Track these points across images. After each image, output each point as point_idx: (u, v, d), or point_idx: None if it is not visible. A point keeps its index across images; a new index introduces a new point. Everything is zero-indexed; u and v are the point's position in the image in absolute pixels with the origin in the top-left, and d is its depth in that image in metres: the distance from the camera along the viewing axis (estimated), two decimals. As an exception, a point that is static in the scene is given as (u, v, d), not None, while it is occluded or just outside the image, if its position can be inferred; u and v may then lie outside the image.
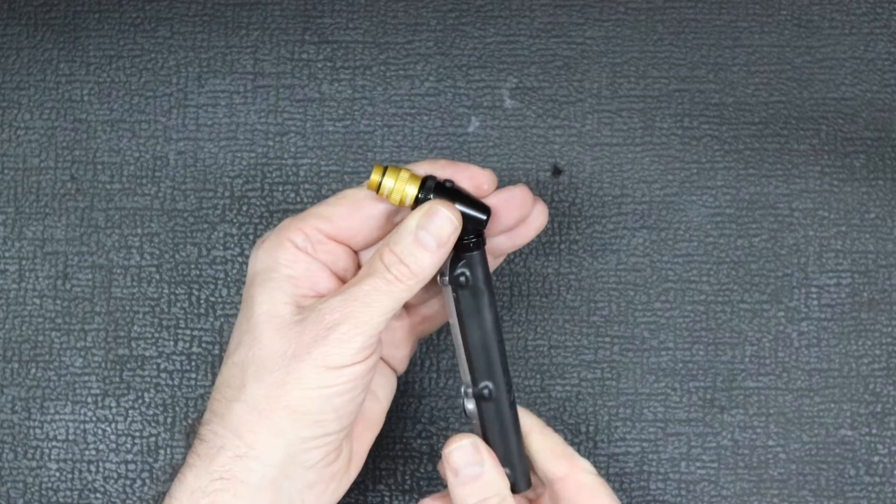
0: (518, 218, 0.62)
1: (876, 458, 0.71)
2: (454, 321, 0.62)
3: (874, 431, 0.71)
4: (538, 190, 0.73)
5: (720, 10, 0.74)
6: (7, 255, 0.73)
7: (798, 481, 0.71)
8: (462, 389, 0.63)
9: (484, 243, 0.61)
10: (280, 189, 0.73)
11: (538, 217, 0.63)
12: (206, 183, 0.73)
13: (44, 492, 0.72)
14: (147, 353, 0.72)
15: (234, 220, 0.73)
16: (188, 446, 0.62)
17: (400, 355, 0.66)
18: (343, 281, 0.62)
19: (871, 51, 0.73)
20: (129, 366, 0.72)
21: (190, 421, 0.72)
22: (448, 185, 0.60)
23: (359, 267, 0.63)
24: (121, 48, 0.74)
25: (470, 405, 0.63)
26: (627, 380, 0.72)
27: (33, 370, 0.72)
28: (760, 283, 0.72)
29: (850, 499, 0.71)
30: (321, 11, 0.74)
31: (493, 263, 0.64)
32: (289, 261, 0.60)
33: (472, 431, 0.63)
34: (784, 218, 0.73)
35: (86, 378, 0.72)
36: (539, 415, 0.72)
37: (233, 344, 0.61)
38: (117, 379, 0.72)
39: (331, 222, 0.61)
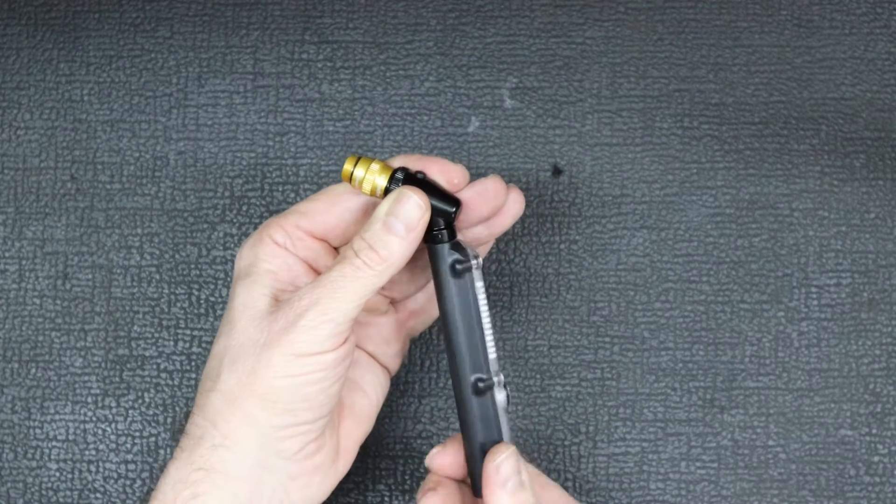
0: (492, 209, 0.63)
1: (876, 458, 0.71)
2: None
3: (874, 431, 0.71)
4: (538, 190, 0.73)
5: (720, 10, 0.74)
6: (7, 255, 0.73)
7: (798, 481, 0.71)
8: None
9: (454, 235, 0.62)
10: (280, 189, 0.73)
11: (514, 205, 0.63)
12: (206, 183, 0.73)
13: (44, 492, 0.72)
14: (147, 353, 0.72)
15: (234, 220, 0.73)
16: (176, 443, 0.63)
17: (390, 352, 0.66)
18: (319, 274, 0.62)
19: (871, 51, 0.73)
20: (129, 366, 0.72)
21: (180, 419, 0.72)
22: (419, 176, 0.61)
23: None
24: (121, 48, 0.74)
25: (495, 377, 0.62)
26: (627, 380, 0.72)
27: (33, 370, 0.72)
28: (760, 283, 0.72)
29: (850, 499, 0.71)
30: (321, 11, 0.74)
31: (481, 251, 0.65)
32: (268, 256, 0.61)
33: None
34: (784, 218, 0.73)
35: (86, 378, 0.72)
36: (539, 415, 0.72)
37: (214, 342, 0.62)
38: (117, 379, 0.72)
39: (308, 217, 0.62)
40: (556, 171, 0.73)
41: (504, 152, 0.73)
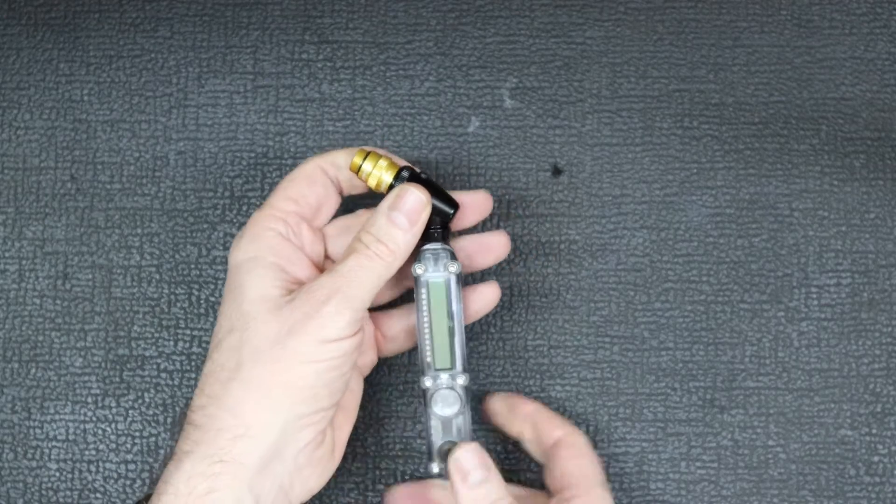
0: (478, 217, 0.68)
1: (876, 458, 0.71)
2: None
3: (874, 431, 0.71)
4: (538, 190, 0.73)
5: (720, 10, 0.74)
6: (7, 255, 0.73)
7: (798, 481, 0.71)
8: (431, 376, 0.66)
9: (447, 238, 0.66)
10: (280, 189, 0.73)
11: (499, 248, 0.68)
12: (206, 183, 0.73)
13: (44, 492, 0.72)
14: (147, 353, 0.72)
15: (234, 220, 0.73)
16: (177, 434, 0.62)
17: (366, 361, 0.68)
18: (316, 265, 0.65)
19: (871, 51, 0.73)
20: (129, 366, 0.72)
21: (178, 410, 0.72)
22: (423, 176, 0.65)
23: (326, 251, 0.67)
24: (121, 48, 0.74)
25: (428, 382, 0.66)
26: (627, 380, 0.72)
27: (33, 370, 0.72)
28: (760, 283, 0.72)
29: (850, 499, 0.71)
30: (321, 11, 0.74)
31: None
32: (274, 248, 0.63)
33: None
34: (784, 218, 0.73)
35: (86, 378, 0.72)
36: (539, 415, 0.72)
37: (223, 330, 0.62)
38: (117, 379, 0.72)
39: (299, 203, 0.64)
40: (556, 171, 0.73)
41: (504, 152, 0.73)
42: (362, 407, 0.71)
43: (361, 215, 0.67)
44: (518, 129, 0.73)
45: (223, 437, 0.60)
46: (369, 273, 0.62)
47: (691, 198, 0.73)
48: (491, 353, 0.72)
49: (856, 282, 0.72)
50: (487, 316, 0.72)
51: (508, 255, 0.72)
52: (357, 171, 0.65)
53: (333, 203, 0.66)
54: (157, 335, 0.72)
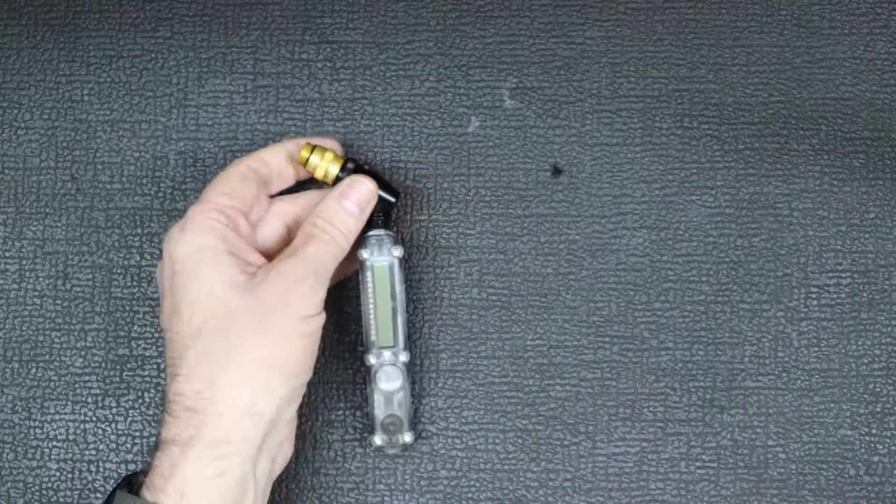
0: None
1: (875, 458, 0.71)
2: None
3: (874, 431, 0.71)
4: (538, 190, 0.73)
5: (720, 10, 0.74)
6: (7, 255, 0.73)
7: (798, 481, 0.71)
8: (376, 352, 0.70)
9: (390, 223, 0.72)
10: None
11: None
12: (206, 183, 0.73)
13: (44, 492, 0.72)
14: (147, 353, 0.72)
15: (234, 220, 0.73)
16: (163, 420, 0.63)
17: None
18: (261, 251, 0.68)
19: (871, 51, 0.73)
20: (129, 366, 0.72)
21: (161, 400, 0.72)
22: (366, 167, 0.70)
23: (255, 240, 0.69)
24: (121, 48, 0.74)
25: (372, 359, 0.70)
26: (627, 380, 0.72)
27: (33, 370, 0.72)
28: (760, 283, 0.72)
29: (849, 498, 0.71)
30: (321, 11, 0.74)
31: None
32: (223, 238, 0.66)
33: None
34: (784, 218, 0.73)
35: (86, 378, 0.72)
36: (538, 415, 0.72)
37: (197, 318, 0.64)
38: (117, 379, 0.72)
39: (234, 198, 0.67)
40: (556, 171, 0.73)
41: (504, 152, 0.73)
42: (364, 407, 0.71)
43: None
44: (518, 129, 0.73)
45: (225, 419, 0.63)
46: (329, 256, 0.66)
47: (691, 198, 0.73)
48: (491, 353, 0.72)
49: (855, 282, 0.72)
50: (488, 316, 0.72)
51: (508, 255, 0.72)
52: (305, 163, 0.69)
53: (265, 202, 0.69)
54: (157, 335, 0.72)
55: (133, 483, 0.64)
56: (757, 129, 0.73)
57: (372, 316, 0.69)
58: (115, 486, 0.67)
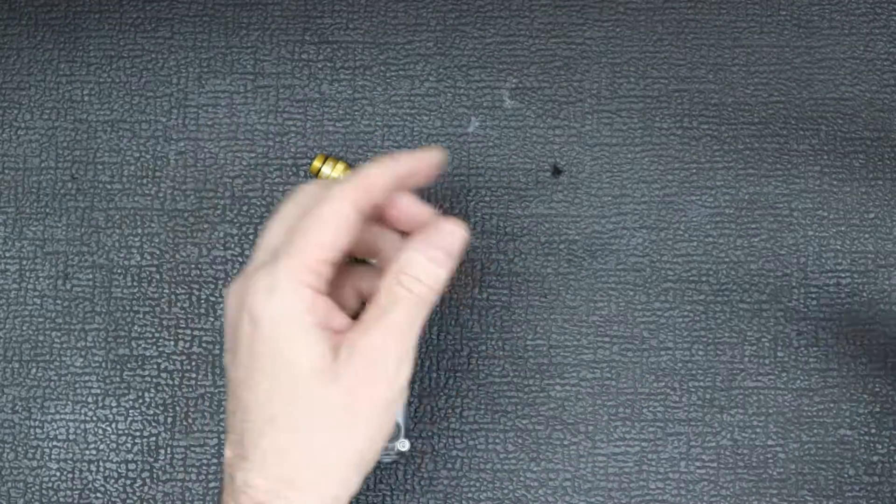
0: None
1: (875, 458, 0.71)
2: None
3: (873, 431, 0.72)
4: (538, 190, 0.73)
5: (720, 10, 0.74)
6: (7, 255, 0.73)
7: (797, 481, 0.71)
8: None
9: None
10: (280, 189, 0.73)
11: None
12: (206, 183, 0.73)
13: (44, 492, 0.72)
14: (147, 353, 0.72)
15: (234, 220, 0.73)
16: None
17: None
18: (343, 307, 0.62)
19: (871, 51, 0.74)
20: (129, 366, 0.72)
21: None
22: None
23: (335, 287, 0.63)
24: (121, 48, 0.74)
25: None
26: (627, 380, 0.72)
27: (34, 370, 0.72)
28: (760, 283, 0.72)
29: (849, 498, 0.71)
30: (321, 11, 0.74)
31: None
32: (312, 307, 0.58)
33: None
34: (784, 218, 0.73)
35: (86, 378, 0.72)
36: (538, 414, 0.72)
37: (272, 406, 0.58)
38: (117, 379, 0.72)
39: (328, 250, 0.58)
40: (556, 171, 0.73)
41: (504, 152, 0.73)
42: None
43: None
44: (518, 129, 0.73)
45: None
46: (418, 319, 0.59)
47: (691, 198, 0.73)
48: (491, 353, 0.72)
49: (855, 282, 0.72)
50: (487, 316, 0.72)
51: (508, 256, 0.72)
52: (316, 173, 0.71)
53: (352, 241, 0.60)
54: (157, 335, 0.72)
55: None
56: (757, 129, 0.73)
57: None
58: None
